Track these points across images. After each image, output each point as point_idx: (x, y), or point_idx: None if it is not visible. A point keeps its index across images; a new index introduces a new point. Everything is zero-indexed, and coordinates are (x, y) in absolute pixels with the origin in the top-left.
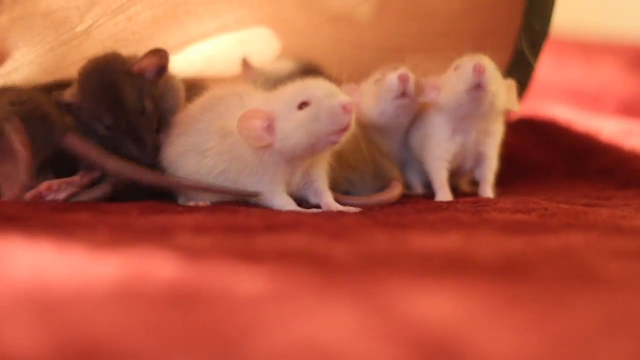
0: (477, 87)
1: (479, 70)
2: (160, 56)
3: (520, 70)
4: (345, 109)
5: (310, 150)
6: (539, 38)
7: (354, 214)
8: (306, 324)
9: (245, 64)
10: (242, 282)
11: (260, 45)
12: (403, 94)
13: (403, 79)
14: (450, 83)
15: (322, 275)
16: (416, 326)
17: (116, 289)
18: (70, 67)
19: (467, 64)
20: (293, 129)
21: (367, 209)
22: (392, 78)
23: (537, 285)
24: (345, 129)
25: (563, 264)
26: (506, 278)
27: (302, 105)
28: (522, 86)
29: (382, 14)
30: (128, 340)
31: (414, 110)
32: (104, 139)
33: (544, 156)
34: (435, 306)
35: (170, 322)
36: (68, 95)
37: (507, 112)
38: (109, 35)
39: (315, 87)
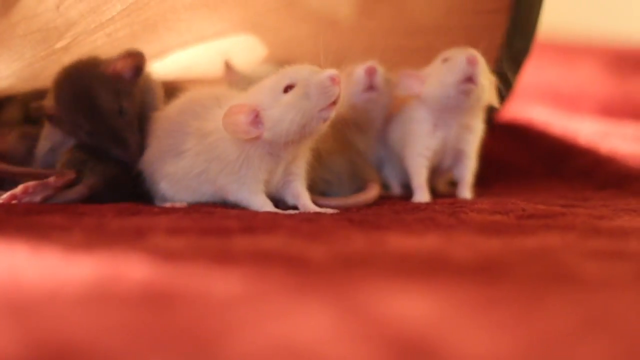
0: (468, 80)
1: (472, 62)
2: (135, 57)
3: (500, 82)
4: (334, 80)
5: (302, 132)
6: (520, 55)
7: (331, 215)
8: (282, 325)
9: (228, 66)
10: (217, 283)
11: (243, 53)
12: (370, 87)
13: (370, 72)
14: (438, 75)
15: (298, 276)
16: (392, 327)
17: (90, 291)
18: (49, 79)
19: (458, 55)
20: (283, 112)
21: (344, 210)
22: (359, 71)
23: (513, 285)
24: (335, 102)
25: (540, 265)
26: (483, 278)
27: (288, 88)
28: (501, 98)
29: (366, 24)
30: (102, 341)
31: (385, 105)
32: (90, 146)
33: (522, 158)
34: (412, 307)
35: (144, 324)
36: (48, 107)
37: (487, 110)
38: (88, 50)
39: (298, 69)
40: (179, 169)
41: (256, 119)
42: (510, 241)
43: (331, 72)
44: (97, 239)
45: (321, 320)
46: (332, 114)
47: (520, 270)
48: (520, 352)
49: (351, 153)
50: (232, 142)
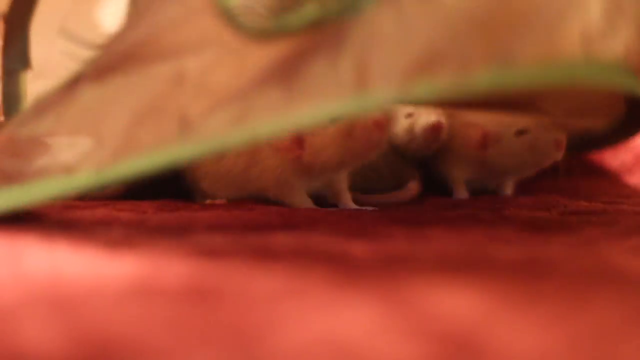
0: None
1: None
2: None
3: None
4: (379, 127)
5: (340, 165)
6: None
7: (372, 212)
8: (325, 321)
9: None
10: (259, 279)
11: None
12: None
13: (435, 130)
14: None
15: (340, 272)
16: (437, 322)
17: (132, 287)
18: None
19: None
20: (324, 144)
21: (384, 208)
22: (421, 127)
23: (558, 281)
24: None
25: (584, 261)
26: (527, 274)
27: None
28: None
29: None
30: (145, 338)
31: None
32: None
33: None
34: (457, 303)
35: (187, 319)
36: None
37: None
38: None
39: None
40: (221, 167)
41: (299, 139)
42: (553, 237)
43: (377, 116)
44: (137, 234)
45: (364, 316)
46: (373, 155)
47: (565, 267)
48: (566, 348)
49: (391, 150)
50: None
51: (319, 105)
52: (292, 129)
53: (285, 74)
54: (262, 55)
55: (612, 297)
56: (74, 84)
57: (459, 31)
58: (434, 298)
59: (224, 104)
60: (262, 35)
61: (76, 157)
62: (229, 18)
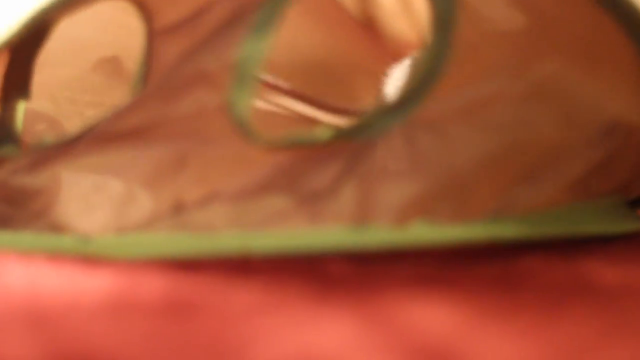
0: None
1: None
2: None
3: None
4: None
5: None
6: None
7: None
8: (302, 335)
9: None
10: (237, 293)
11: None
12: None
13: None
14: None
15: (317, 286)
16: (413, 336)
17: (109, 300)
18: None
19: None
20: None
21: None
22: None
23: (532, 293)
24: None
25: (558, 272)
26: (501, 287)
27: None
28: None
29: None
30: (122, 352)
31: None
32: None
33: None
34: (433, 316)
35: (165, 334)
36: None
37: None
38: None
39: None
40: None
41: None
42: (527, 248)
43: None
44: None
45: (341, 331)
46: None
47: (539, 279)
48: (544, 358)
49: None
50: None
51: (314, 232)
52: (283, 249)
53: (289, 184)
54: (266, 160)
55: (586, 309)
56: (71, 145)
57: (465, 172)
58: (409, 312)
59: (222, 200)
60: (270, 144)
61: (66, 219)
62: (239, 125)
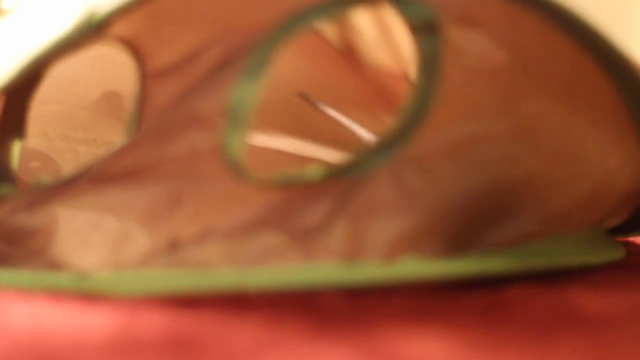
0: None
1: None
2: None
3: None
4: None
5: None
6: None
7: None
8: None
9: None
10: (237, 329)
11: None
12: None
13: None
14: None
15: (314, 320)
16: None
17: (113, 338)
18: None
19: None
20: None
21: None
22: None
23: (521, 325)
24: None
25: (545, 302)
26: (490, 318)
27: None
28: None
29: None
30: None
31: None
32: None
33: None
34: (426, 347)
35: None
36: None
37: None
38: None
39: None
40: None
41: None
42: (513, 278)
43: None
44: None
45: None
46: None
47: (527, 309)
48: None
49: None
50: None
51: (306, 267)
52: (277, 284)
53: (281, 221)
54: (259, 199)
55: (573, 339)
56: (68, 184)
57: (452, 208)
58: (403, 345)
59: (216, 237)
60: (262, 184)
61: (64, 257)
62: (232, 165)
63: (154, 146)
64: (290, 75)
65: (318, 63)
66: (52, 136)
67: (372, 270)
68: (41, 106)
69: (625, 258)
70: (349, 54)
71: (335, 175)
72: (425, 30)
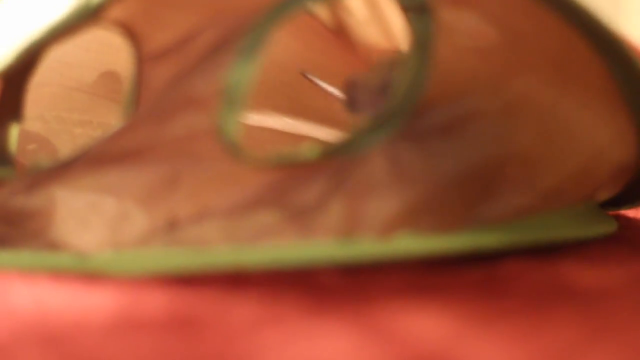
0: None
1: None
2: None
3: None
4: None
5: None
6: None
7: None
8: (304, 348)
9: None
10: (238, 307)
11: None
12: None
13: None
14: None
15: (312, 297)
16: (408, 345)
17: (115, 317)
18: None
19: None
20: None
21: None
22: None
23: (516, 299)
24: None
25: (539, 276)
26: (486, 293)
27: None
28: None
29: None
30: None
31: None
32: None
33: None
34: (425, 325)
35: (170, 349)
36: None
37: None
38: None
39: None
40: None
41: None
42: (507, 253)
43: None
44: None
45: (338, 340)
46: None
47: (521, 283)
48: None
49: None
50: None
51: (303, 245)
52: (274, 262)
53: (278, 200)
54: (255, 178)
55: (568, 312)
56: (66, 167)
57: (446, 185)
58: (402, 320)
59: (214, 216)
60: (259, 163)
61: (63, 237)
62: (229, 146)
63: (151, 128)
64: (282, 54)
65: (310, 42)
66: (48, 118)
67: (368, 247)
68: (37, 89)
69: (617, 231)
70: (340, 32)
71: (331, 154)
72: (417, 10)
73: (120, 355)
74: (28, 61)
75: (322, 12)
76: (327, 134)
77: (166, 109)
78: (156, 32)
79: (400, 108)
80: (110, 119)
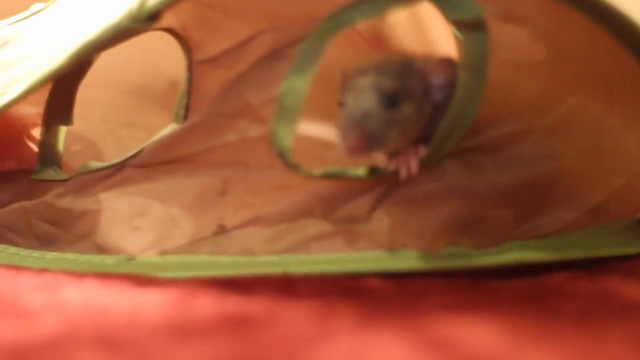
0: None
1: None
2: None
3: None
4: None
5: None
6: None
7: None
8: (355, 356)
9: None
10: (284, 316)
11: None
12: None
13: None
14: None
15: (364, 310)
16: (462, 355)
17: (165, 316)
18: None
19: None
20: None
21: None
22: None
23: (568, 315)
24: None
25: (588, 289)
26: (536, 306)
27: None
28: None
29: None
30: None
31: None
32: None
33: None
34: (478, 336)
35: (221, 350)
36: None
37: None
38: None
39: None
40: None
41: None
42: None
43: None
44: None
45: (393, 353)
46: None
47: (572, 297)
48: None
49: None
50: None
51: (350, 255)
52: (320, 271)
53: (327, 210)
54: (305, 188)
55: (614, 324)
56: (115, 170)
57: (493, 200)
58: (455, 334)
59: (262, 224)
60: (309, 174)
61: (110, 240)
62: (281, 155)
63: (203, 135)
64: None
65: (346, 51)
66: (93, 120)
67: (413, 260)
68: (83, 92)
69: None
70: (377, 42)
71: (380, 172)
72: (471, 26)
73: (170, 354)
74: (81, 64)
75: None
76: None
77: (219, 116)
78: (209, 38)
79: (454, 130)
80: (155, 122)
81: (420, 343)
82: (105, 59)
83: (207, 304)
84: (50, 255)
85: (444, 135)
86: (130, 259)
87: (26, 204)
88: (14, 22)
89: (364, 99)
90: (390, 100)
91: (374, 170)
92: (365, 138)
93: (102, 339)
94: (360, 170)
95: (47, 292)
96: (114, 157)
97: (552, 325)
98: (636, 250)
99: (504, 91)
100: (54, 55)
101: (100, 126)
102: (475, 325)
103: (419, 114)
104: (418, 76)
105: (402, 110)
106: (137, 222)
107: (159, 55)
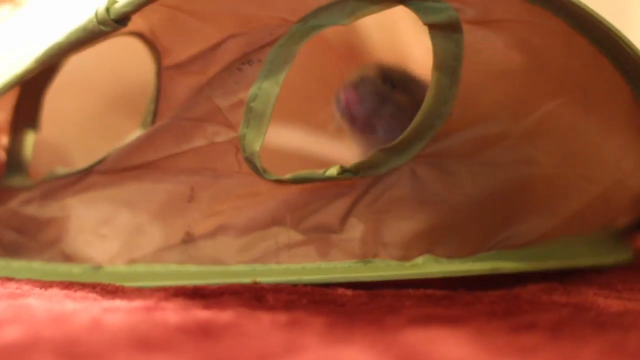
0: None
1: None
2: None
3: None
4: None
5: None
6: None
7: None
8: None
9: None
10: (255, 329)
11: None
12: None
13: None
14: None
15: (333, 324)
16: None
17: (129, 324)
18: None
19: None
20: None
21: None
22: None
23: (540, 325)
24: None
25: (561, 302)
26: (506, 316)
27: None
28: None
29: None
30: None
31: None
32: None
33: None
34: (454, 352)
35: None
36: None
37: None
38: None
39: None
40: None
41: None
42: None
43: None
44: None
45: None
46: None
47: (543, 304)
48: None
49: None
50: None
51: (322, 264)
52: (289, 280)
53: (297, 218)
54: (275, 194)
55: (598, 342)
56: (81, 177)
57: (467, 208)
58: (427, 348)
59: (230, 232)
60: (278, 179)
61: (77, 249)
62: (249, 160)
63: (171, 139)
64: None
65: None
66: (63, 126)
67: (386, 268)
68: (54, 100)
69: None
70: (351, 55)
71: (352, 174)
72: (446, 27)
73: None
74: (47, 69)
75: (331, 34)
76: (335, 149)
77: (186, 120)
78: (178, 42)
79: (425, 130)
80: (127, 128)
81: (392, 356)
82: (76, 63)
83: (172, 314)
84: (16, 264)
85: (414, 134)
86: (97, 268)
87: None
88: None
89: (366, 69)
90: (389, 79)
91: (344, 171)
92: (360, 97)
93: (63, 349)
94: (331, 170)
95: (10, 301)
96: (84, 163)
97: (527, 338)
98: (612, 261)
99: (477, 93)
100: (20, 58)
101: (70, 132)
102: (449, 338)
103: (410, 113)
104: (420, 86)
105: (398, 94)
106: (103, 230)
107: (131, 60)
